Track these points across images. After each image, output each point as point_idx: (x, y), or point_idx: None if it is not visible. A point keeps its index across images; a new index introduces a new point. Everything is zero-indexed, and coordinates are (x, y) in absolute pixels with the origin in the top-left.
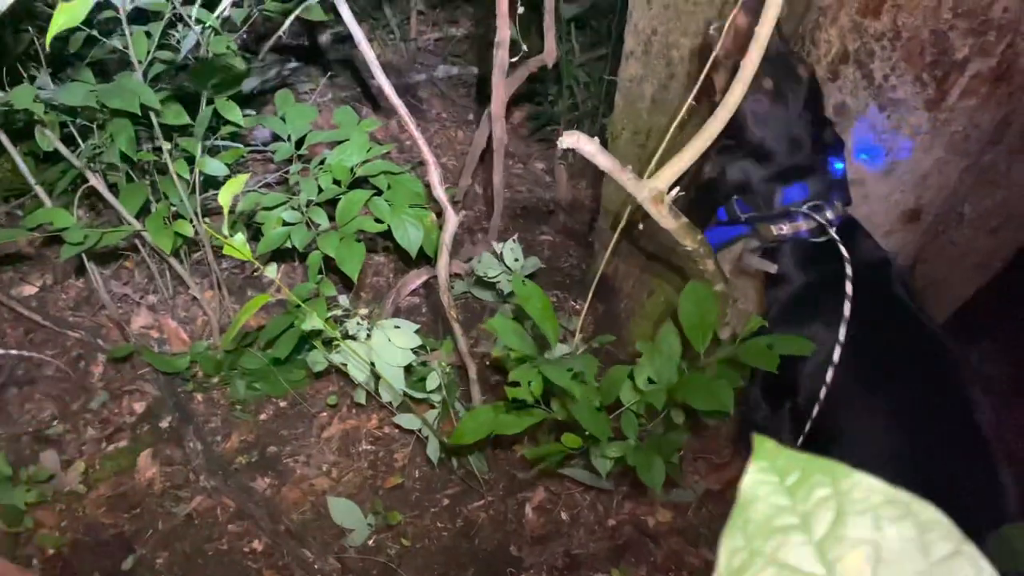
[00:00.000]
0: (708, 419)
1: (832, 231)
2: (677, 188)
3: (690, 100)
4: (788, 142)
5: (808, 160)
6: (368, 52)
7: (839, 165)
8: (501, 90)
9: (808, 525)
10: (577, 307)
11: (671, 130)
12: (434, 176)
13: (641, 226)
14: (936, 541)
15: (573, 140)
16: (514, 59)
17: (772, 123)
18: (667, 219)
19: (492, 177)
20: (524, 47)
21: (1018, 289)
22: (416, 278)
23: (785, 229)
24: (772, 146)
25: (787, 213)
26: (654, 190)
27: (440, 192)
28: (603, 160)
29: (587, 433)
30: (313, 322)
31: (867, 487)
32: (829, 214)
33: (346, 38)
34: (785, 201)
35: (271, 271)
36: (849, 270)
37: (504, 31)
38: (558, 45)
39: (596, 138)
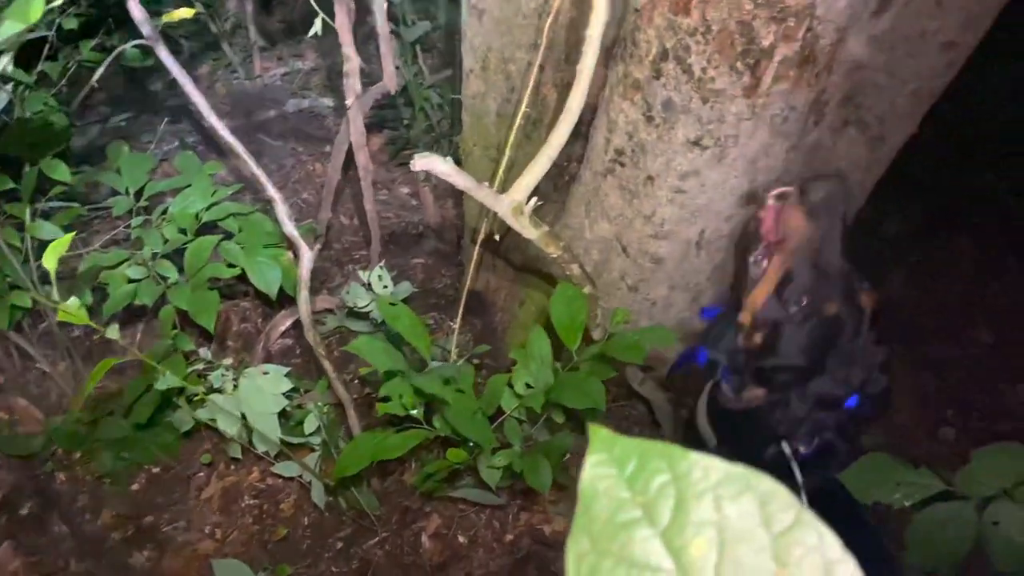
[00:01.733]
0: (588, 420)
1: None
2: (535, 198)
3: (522, 110)
4: (832, 384)
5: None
6: (193, 93)
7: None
8: (358, 120)
9: (652, 515)
10: (455, 326)
11: (510, 141)
12: (281, 212)
13: (498, 237)
14: (776, 513)
15: (426, 162)
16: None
17: (815, 351)
18: (529, 229)
19: (360, 206)
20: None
21: (860, 261)
22: (284, 319)
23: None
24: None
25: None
26: (513, 203)
27: (290, 228)
28: (459, 179)
29: (471, 444)
30: (169, 381)
31: (704, 466)
32: (802, 448)
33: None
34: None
35: (112, 332)
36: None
37: (351, 61)
38: (405, 68)
39: (449, 158)
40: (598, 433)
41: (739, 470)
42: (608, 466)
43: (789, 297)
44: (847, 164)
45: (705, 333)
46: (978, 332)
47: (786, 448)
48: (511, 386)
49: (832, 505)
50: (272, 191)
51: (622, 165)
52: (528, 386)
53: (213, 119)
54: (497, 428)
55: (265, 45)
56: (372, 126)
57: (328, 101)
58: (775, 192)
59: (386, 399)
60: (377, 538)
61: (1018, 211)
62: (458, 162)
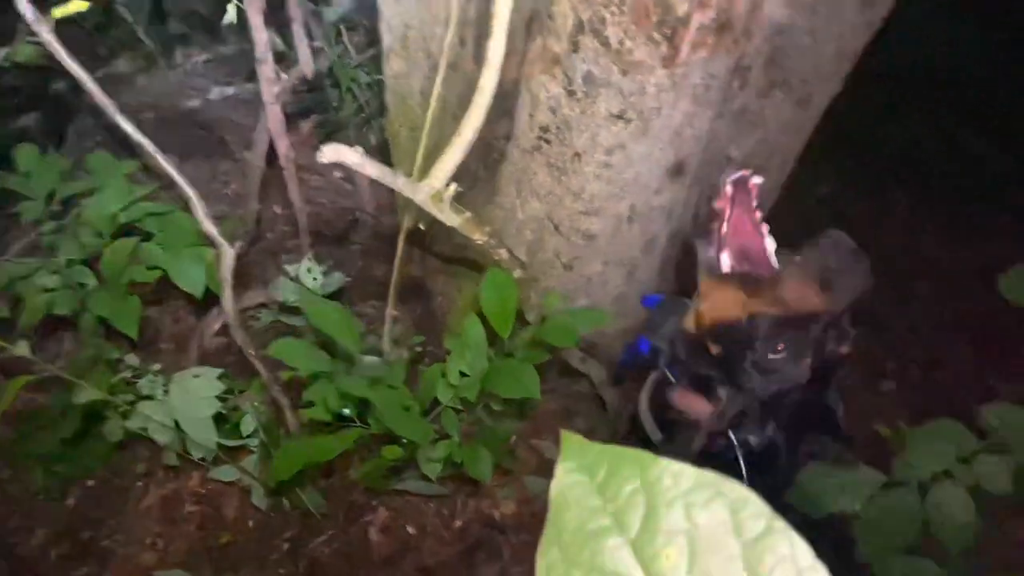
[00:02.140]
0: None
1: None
2: (455, 184)
3: (436, 92)
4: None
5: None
6: (93, 89)
7: None
8: (275, 107)
9: (622, 523)
10: (395, 314)
11: (426, 125)
12: (198, 210)
13: (422, 226)
14: (747, 520)
15: (334, 153)
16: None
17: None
18: (450, 216)
19: (288, 196)
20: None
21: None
22: (218, 318)
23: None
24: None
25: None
26: (431, 190)
27: (207, 226)
28: (371, 169)
29: (405, 440)
30: (88, 394)
31: (675, 473)
32: (753, 440)
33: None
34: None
35: (21, 349)
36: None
37: (262, 47)
38: (329, 49)
39: (359, 147)
40: (570, 440)
41: (710, 476)
42: (579, 474)
43: (769, 344)
44: (775, 127)
45: (648, 322)
46: (915, 284)
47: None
48: (445, 376)
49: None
50: (187, 188)
51: (548, 142)
52: (463, 375)
53: (117, 115)
54: (435, 419)
55: (185, 32)
56: (301, 111)
57: (254, 87)
58: (732, 178)
59: (312, 404)
60: (324, 536)
61: (949, 161)
62: (385, 145)
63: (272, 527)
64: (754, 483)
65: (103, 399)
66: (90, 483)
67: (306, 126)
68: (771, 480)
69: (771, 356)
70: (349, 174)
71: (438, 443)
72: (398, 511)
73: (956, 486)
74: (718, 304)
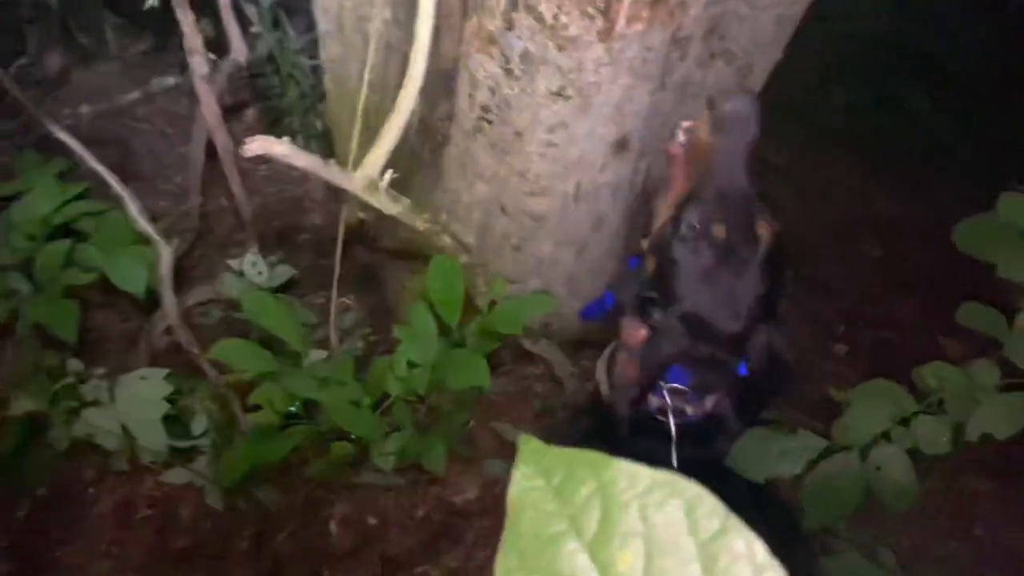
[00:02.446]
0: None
1: (671, 421)
2: (390, 171)
3: (367, 77)
4: (726, 319)
5: (718, 349)
6: (9, 86)
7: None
8: (210, 98)
9: (579, 527)
10: (348, 303)
11: (358, 111)
12: (132, 209)
13: (362, 215)
14: (703, 519)
15: (260, 146)
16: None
17: (711, 286)
18: (388, 205)
19: (244, 186)
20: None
21: None
22: (164, 318)
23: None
24: (706, 315)
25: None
26: (366, 179)
27: (143, 224)
28: (300, 159)
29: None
30: (23, 405)
31: (630, 474)
32: (689, 409)
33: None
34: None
35: None
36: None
37: (190, 37)
38: (268, 34)
39: (286, 138)
40: (527, 444)
41: (665, 476)
42: (536, 478)
43: (684, 218)
44: None
45: (616, 278)
46: (865, 246)
47: (666, 396)
48: (393, 368)
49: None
50: (119, 187)
51: (489, 123)
52: (413, 365)
53: (39, 113)
54: (388, 411)
55: (121, 22)
56: (245, 100)
57: None
58: (685, 125)
59: (258, 407)
60: (284, 532)
61: (894, 122)
62: (327, 132)
63: (230, 527)
64: (696, 456)
65: (43, 410)
66: (39, 492)
67: (250, 114)
68: (719, 454)
69: (689, 229)
70: None
71: (390, 436)
72: (358, 503)
73: (895, 448)
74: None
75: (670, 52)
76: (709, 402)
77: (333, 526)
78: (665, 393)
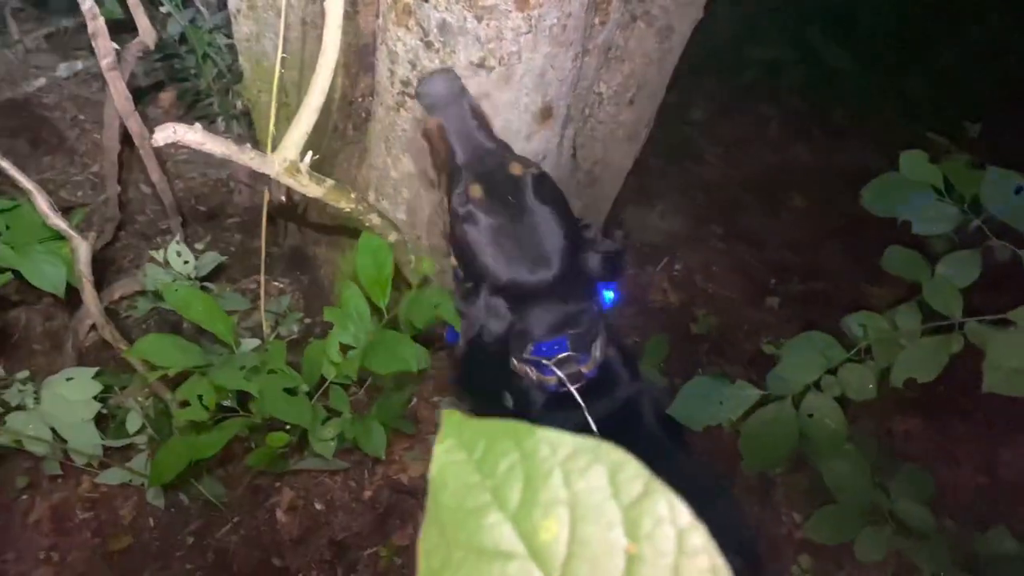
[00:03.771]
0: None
1: (574, 386)
2: (311, 152)
3: (280, 55)
4: (530, 264)
5: (566, 294)
6: None
7: (609, 294)
8: (119, 83)
9: (501, 499)
10: (281, 286)
11: (273, 91)
12: (42, 204)
13: (284, 198)
14: (625, 483)
15: (169, 135)
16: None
17: (498, 243)
18: (311, 187)
19: (164, 172)
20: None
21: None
22: (89, 314)
23: (531, 375)
24: (508, 274)
25: (537, 363)
26: (285, 162)
27: (54, 219)
28: (214, 145)
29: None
30: None
31: (552, 442)
32: (584, 368)
33: None
34: (535, 353)
35: None
36: (593, 424)
37: (94, 20)
38: (178, 13)
39: (197, 124)
40: (451, 419)
41: (588, 442)
42: (457, 451)
43: (452, 197)
44: (641, 59)
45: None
46: (789, 198)
47: (555, 370)
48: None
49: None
50: (25, 181)
51: (411, 96)
52: (347, 347)
53: None
54: (325, 395)
55: (20, 5)
56: (158, 82)
57: None
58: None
59: (186, 404)
60: (229, 524)
61: (813, 76)
62: (247, 112)
63: (173, 523)
64: (611, 409)
65: None
66: None
67: (166, 97)
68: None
69: (459, 202)
70: None
71: (328, 422)
72: (304, 489)
73: (825, 396)
74: None
75: (590, 17)
76: (597, 351)
77: (279, 514)
78: (553, 367)
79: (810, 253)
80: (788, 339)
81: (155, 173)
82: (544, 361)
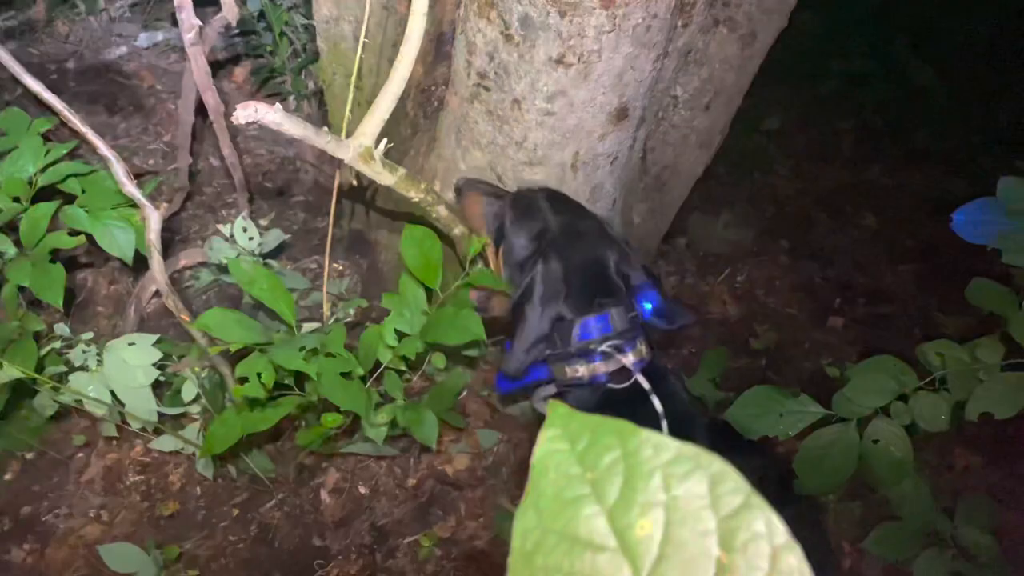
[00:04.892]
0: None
1: (637, 375)
2: (386, 140)
3: (363, 40)
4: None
5: (608, 287)
6: None
7: (648, 305)
8: (200, 57)
9: (600, 492)
10: (341, 268)
11: (352, 76)
12: (118, 171)
13: (355, 181)
14: (725, 495)
15: (250, 113)
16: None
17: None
18: (383, 174)
19: (235, 145)
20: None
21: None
22: (152, 281)
23: (581, 371)
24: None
25: (585, 351)
26: (360, 147)
27: (129, 188)
28: (292, 127)
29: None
30: (8, 373)
31: (655, 444)
32: (630, 356)
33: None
34: (582, 337)
35: None
36: (665, 426)
37: None
38: None
39: (278, 104)
40: (557, 409)
41: (691, 449)
42: (561, 442)
43: (507, 253)
44: (720, 64)
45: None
46: (861, 217)
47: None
48: (383, 337)
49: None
50: (104, 149)
51: (487, 89)
52: (402, 333)
53: (21, 72)
54: (379, 380)
55: None
56: (234, 57)
57: None
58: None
59: (245, 380)
60: (274, 500)
61: (895, 92)
62: (320, 93)
63: (220, 494)
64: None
65: (29, 376)
66: (28, 456)
67: (241, 72)
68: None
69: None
70: None
71: (382, 408)
72: (349, 472)
73: (893, 423)
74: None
75: (675, 19)
76: (641, 344)
77: (324, 494)
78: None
79: (878, 275)
80: (851, 362)
81: (227, 147)
82: (592, 346)
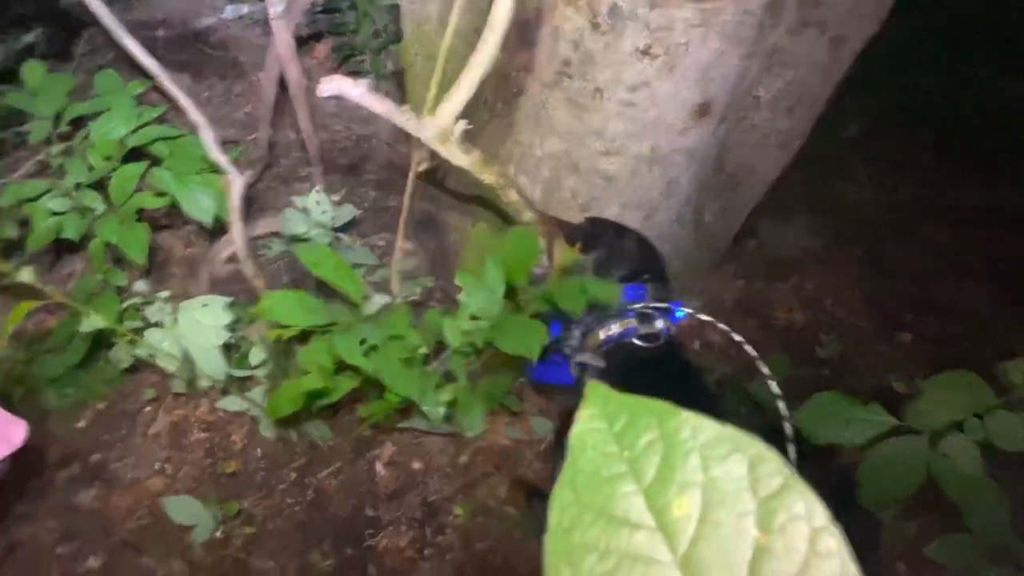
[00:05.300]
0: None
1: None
2: (465, 121)
3: (454, 21)
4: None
5: (650, 268)
6: (95, 4)
7: (680, 313)
8: (284, 32)
9: (637, 471)
10: (409, 248)
11: (439, 57)
12: (207, 138)
13: (425, 165)
14: (764, 477)
15: (334, 87)
16: None
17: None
18: (458, 156)
19: (312, 119)
20: None
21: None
22: (228, 244)
23: (614, 328)
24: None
25: (623, 311)
26: (438, 128)
27: (216, 154)
28: (374, 103)
29: None
30: (93, 322)
31: (694, 426)
32: (660, 323)
33: None
34: (626, 298)
35: (25, 275)
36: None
37: None
38: None
39: (363, 79)
40: (596, 389)
41: (729, 431)
42: (599, 420)
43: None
44: (806, 67)
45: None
46: (935, 231)
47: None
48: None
49: None
50: (196, 115)
51: (569, 77)
52: (476, 318)
53: (123, 36)
54: (441, 361)
55: None
56: (316, 33)
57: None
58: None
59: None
60: (331, 468)
61: (986, 106)
62: (400, 73)
63: (279, 457)
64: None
65: (110, 328)
66: (100, 406)
67: (322, 49)
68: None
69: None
70: None
71: (443, 387)
72: (405, 446)
73: (966, 439)
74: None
75: (765, 18)
76: (669, 321)
77: (379, 466)
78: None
79: (952, 292)
80: (919, 378)
81: (305, 122)
82: (629, 307)
